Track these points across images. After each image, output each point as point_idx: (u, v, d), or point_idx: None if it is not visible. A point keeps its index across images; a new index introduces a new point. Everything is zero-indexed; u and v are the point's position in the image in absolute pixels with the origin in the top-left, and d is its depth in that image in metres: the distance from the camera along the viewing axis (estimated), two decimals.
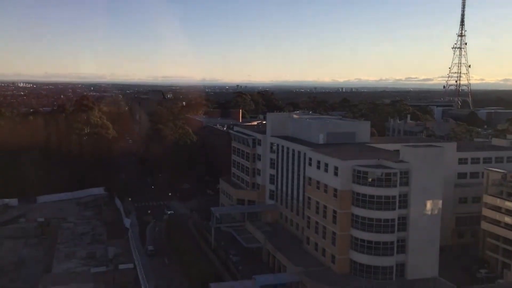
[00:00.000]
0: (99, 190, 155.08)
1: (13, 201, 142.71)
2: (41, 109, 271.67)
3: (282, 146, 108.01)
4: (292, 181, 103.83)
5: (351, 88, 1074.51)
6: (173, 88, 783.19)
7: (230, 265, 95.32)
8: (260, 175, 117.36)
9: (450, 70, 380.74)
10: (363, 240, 78.77)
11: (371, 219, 77.73)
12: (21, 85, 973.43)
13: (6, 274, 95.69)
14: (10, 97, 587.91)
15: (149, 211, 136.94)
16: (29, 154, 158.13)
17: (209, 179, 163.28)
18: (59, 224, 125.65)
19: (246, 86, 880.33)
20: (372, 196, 77.36)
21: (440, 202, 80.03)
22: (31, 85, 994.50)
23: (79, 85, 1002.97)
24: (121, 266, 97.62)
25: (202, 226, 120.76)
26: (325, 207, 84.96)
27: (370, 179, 77.68)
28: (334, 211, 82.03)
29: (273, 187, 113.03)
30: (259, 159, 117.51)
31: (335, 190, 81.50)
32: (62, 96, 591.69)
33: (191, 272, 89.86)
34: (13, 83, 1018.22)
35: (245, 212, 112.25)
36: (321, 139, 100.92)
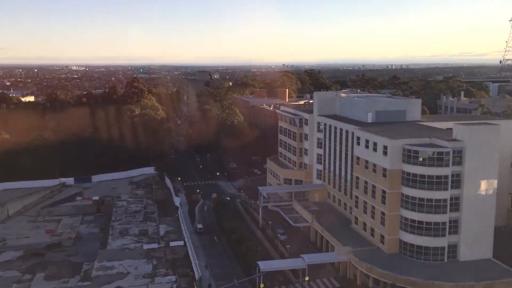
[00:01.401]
0: (150, 170, 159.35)
1: (70, 180, 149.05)
2: (93, 91, 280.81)
3: (330, 125, 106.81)
4: (340, 161, 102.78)
5: (401, 65, 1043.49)
6: (220, 68, 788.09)
7: (278, 243, 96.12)
8: (307, 154, 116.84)
9: (507, 44, 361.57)
10: (413, 221, 77.27)
11: (422, 199, 76.00)
12: (74, 68, 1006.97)
13: (65, 249, 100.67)
14: (64, 80, 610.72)
15: (198, 190, 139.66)
16: (84, 135, 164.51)
17: (256, 159, 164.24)
18: (113, 202, 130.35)
19: (292, 66, 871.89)
20: (423, 176, 75.48)
21: (495, 181, 77.07)
22: (83, 68, 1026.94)
23: (129, 67, 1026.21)
24: (171, 243, 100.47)
25: (249, 205, 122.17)
26: (373, 187, 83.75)
27: (421, 159, 75.70)
28: (383, 191, 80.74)
29: (320, 167, 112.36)
30: (306, 139, 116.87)
31: (384, 169, 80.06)
32: (113, 79, 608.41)
33: (239, 250, 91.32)
34: (67, 66, 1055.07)
35: (292, 192, 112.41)
36: (369, 117, 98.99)
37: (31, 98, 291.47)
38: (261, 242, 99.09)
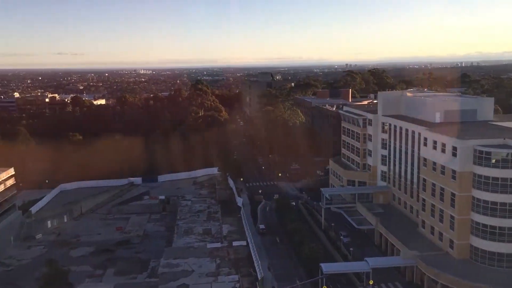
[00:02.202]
0: (213, 170, 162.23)
1: (138, 180, 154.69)
2: (159, 94, 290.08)
3: (395, 126, 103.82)
4: (406, 162, 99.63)
5: (471, 62, 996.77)
6: (282, 69, 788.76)
7: (341, 246, 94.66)
8: (371, 155, 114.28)
9: None
10: (485, 225, 73.45)
11: (494, 203, 72.08)
12: (142, 72, 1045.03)
13: (133, 246, 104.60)
14: (133, 83, 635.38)
15: (260, 191, 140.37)
16: (150, 136, 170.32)
17: (319, 160, 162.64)
18: (178, 202, 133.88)
19: (355, 65, 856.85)
20: (496, 179, 71.59)
21: None
22: (150, 71, 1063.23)
23: (193, 70, 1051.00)
24: (234, 243, 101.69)
25: (312, 207, 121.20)
26: (442, 189, 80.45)
27: (494, 160, 71.83)
28: (453, 194, 77.35)
29: (385, 168, 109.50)
30: (370, 140, 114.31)
31: (454, 171, 76.69)
32: (178, 81, 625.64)
33: (302, 251, 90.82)
34: (135, 70, 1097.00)
35: (356, 193, 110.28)
36: (437, 117, 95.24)
37: (102, 101, 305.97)
38: (323, 244, 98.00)
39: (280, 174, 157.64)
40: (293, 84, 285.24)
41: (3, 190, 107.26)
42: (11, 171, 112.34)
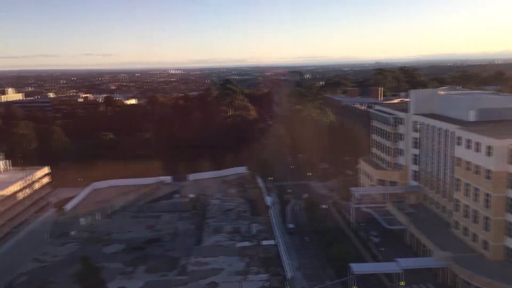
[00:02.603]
0: (242, 169, 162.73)
1: (168, 179, 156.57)
2: (189, 93, 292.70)
3: (427, 125, 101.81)
4: (438, 162, 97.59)
5: (506, 60, 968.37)
6: (311, 68, 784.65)
7: (371, 246, 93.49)
8: (402, 155, 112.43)
9: None
10: None
11: None
12: (172, 72, 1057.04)
13: (163, 244, 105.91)
14: (163, 83, 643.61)
15: (289, 190, 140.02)
16: (180, 135, 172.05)
17: (348, 159, 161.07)
18: (207, 200, 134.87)
19: (386, 63, 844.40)
20: None
21: None
22: (180, 71, 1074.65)
23: (223, 70, 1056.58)
24: (263, 242, 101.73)
25: (341, 206, 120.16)
26: (476, 189, 78.46)
27: None
28: (487, 194, 75.34)
29: (416, 168, 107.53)
30: (401, 139, 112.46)
31: (489, 171, 74.67)
32: (207, 81, 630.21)
33: (331, 251, 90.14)
34: (165, 70, 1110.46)
35: (387, 193, 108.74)
36: (471, 116, 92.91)
37: (133, 101, 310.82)
38: (353, 244, 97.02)
39: (309, 174, 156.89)
40: (322, 83, 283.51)
41: (38, 188, 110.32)
42: (46, 170, 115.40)
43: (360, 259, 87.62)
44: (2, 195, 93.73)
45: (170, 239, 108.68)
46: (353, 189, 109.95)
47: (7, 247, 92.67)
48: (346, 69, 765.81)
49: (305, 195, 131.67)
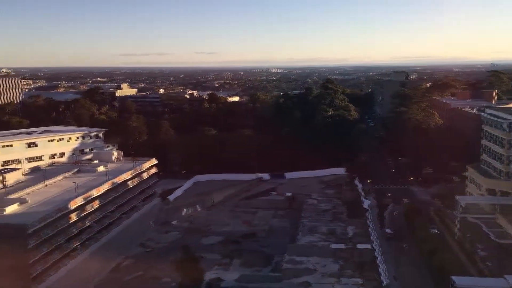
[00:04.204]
0: (340, 170, 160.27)
1: (266, 176, 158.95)
2: (290, 92, 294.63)
3: None
4: None
5: None
6: (418, 68, 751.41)
7: (477, 259, 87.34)
8: None
9: None
10: None
11: None
12: (274, 70, 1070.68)
13: (258, 239, 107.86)
14: (265, 81, 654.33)
15: (388, 194, 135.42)
16: (280, 134, 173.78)
17: (455, 165, 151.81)
18: (303, 200, 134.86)
19: (503, 64, 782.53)
20: None
21: None
22: (282, 70, 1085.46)
23: (324, 69, 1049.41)
24: (359, 246, 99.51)
25: (445, 215, 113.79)
26: None
27: None
28: None
29: None
30: None
31: None
32: (308, 80, 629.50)
33: (432, 261, 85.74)
34: (267, 69, 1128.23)
35: (497, 204, 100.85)
36: None
37: (235, 98, 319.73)
38: (456, 256, 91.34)
39: (411, 178, 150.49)
40: (429, 84, 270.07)
41: (146, 178, 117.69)
42: (154, 161, 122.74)
43: (464, 272, 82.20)
44: (115, 183, 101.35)
45: (265, 235, 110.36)
46: (458, 197, 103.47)
47: (117, 231, 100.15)
48: (456, 70, 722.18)
49: (405, 200, 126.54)
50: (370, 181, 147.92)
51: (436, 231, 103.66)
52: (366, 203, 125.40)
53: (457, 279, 73.22)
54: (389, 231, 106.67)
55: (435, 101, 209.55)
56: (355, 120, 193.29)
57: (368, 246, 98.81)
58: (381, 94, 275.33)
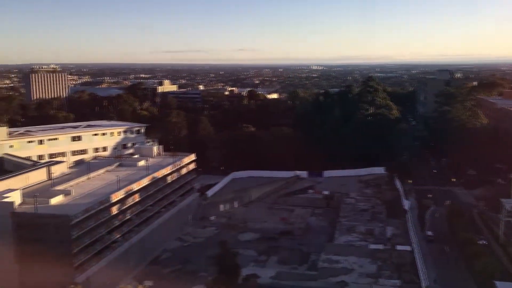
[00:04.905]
0: (379, 170, 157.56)
1: (304, 174, 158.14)
2: (330, 90, 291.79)
3: None
4: None
5: None
6: (463, 67, 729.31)
7: None
8: None
9: None
10: None
11: None
12: (314, 67, 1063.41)
13: (295, 237, 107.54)
14: (305, 79, 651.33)
15: (429, 195, 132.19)
16: (318, 131, 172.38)
17: (500, 167, 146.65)
18: (342, 199, 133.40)
19: None
20: None
21: None
22: (322, 67, 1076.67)
23: (366, 67, 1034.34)
24: (398, 247, 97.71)
25: (489, 218, 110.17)
26: None
27: None
28: None
29: None
30: None
31: None
32: (349, 78, 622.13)
33: (474, 265, 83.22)
34: (308, 66, 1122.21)
35: None
36: None
37: (275, 95, 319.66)
38: (500, 260, 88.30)
39: (453, 179, 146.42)
40: (475, 83, 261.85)
41: (185, 173, 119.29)
42: (193, 157, 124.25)
43: (508, 278, 79.42)
44: (155, 177, 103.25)
45: (302, 233, 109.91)
46: (504, 200, 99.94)
47: (156, 225, 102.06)
48: (503, 68, 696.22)
49: (448, 202, 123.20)
50: (411, 181, 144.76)
51: (484, 242, 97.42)
52: (406, 203, 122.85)
53: (500, 285, 71.00)
54: (429, 233, 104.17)
55: (481, 100, 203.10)
56: (396, 119, 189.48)
57: (408, 248, 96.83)
58: (424, 93, 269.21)
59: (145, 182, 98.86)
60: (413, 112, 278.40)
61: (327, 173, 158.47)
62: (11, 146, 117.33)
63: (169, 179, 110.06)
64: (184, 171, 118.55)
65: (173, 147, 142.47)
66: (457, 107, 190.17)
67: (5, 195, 78.82)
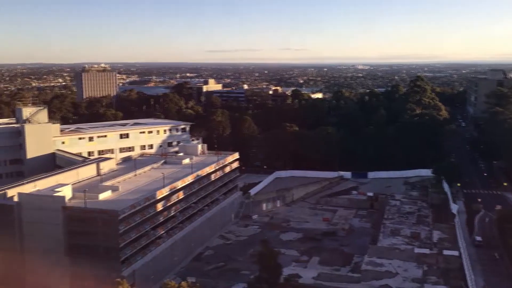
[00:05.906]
0: (426, 172, 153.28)
1: (347, 174, 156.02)
2: (375, 90, 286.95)
3: None
4: None
5: None
6: None
7: None
8: None
9: None
10: None
11: None
12: (360, 67, 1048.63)
13: (338, 238, 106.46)
14: (350, 78, 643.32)
15: (479, 199, 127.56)
16: (363, 132, 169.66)
17: None
18: (386, 200, 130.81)
19: None
20: None
21: None
22: (368, 67, 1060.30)
23: (413, 66, 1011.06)
24: (445, 252, 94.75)
25: None
26: None
27: None
28: None
29: None
30: None
31: None
32: (396, 77, 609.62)
33: None
34: (353, 65, 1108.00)
35: None
36: None
37: (319, 95, 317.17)
38: None
39: (505, 184, 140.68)
40: None
41: (229, 172, 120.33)
42: (236, 155, 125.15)
43: None
44: (199, 175, 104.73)
45: (345, 235, 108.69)
46: None
47: (200, 222, 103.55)
48: None
49: (498, 207, 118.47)
50: (459, 184, 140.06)
51: None
52: (454, 207, 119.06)
53: None
54: (478, 238, 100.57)
55: None
56: (445, 120, 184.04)
57: (455, 253, 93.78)
58: (474, 93, 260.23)
59: (189, 179, 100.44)
60: (463, 113, 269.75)
61: (372, 174, 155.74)
62: (63, 143, 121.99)
63: (212, 177, 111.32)
64: (227, 169, 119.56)
65: (217, 145, 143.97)
66: (509, 108, 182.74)
67: (57, 190, 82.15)
